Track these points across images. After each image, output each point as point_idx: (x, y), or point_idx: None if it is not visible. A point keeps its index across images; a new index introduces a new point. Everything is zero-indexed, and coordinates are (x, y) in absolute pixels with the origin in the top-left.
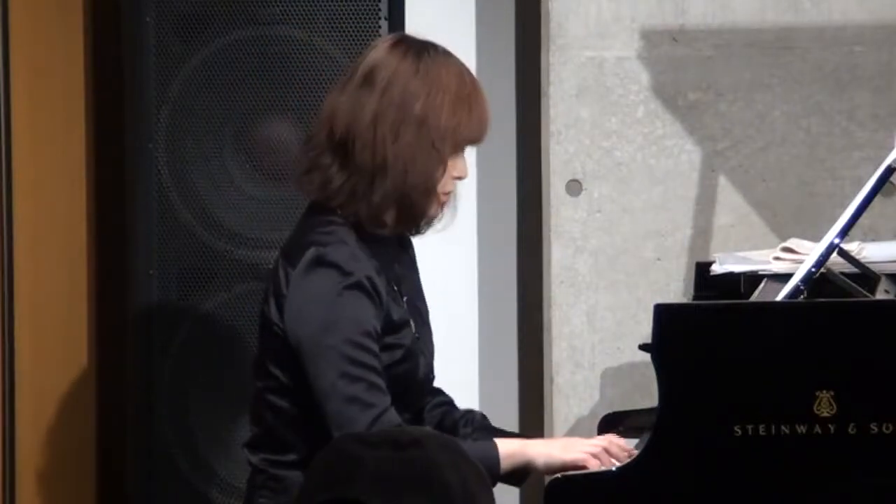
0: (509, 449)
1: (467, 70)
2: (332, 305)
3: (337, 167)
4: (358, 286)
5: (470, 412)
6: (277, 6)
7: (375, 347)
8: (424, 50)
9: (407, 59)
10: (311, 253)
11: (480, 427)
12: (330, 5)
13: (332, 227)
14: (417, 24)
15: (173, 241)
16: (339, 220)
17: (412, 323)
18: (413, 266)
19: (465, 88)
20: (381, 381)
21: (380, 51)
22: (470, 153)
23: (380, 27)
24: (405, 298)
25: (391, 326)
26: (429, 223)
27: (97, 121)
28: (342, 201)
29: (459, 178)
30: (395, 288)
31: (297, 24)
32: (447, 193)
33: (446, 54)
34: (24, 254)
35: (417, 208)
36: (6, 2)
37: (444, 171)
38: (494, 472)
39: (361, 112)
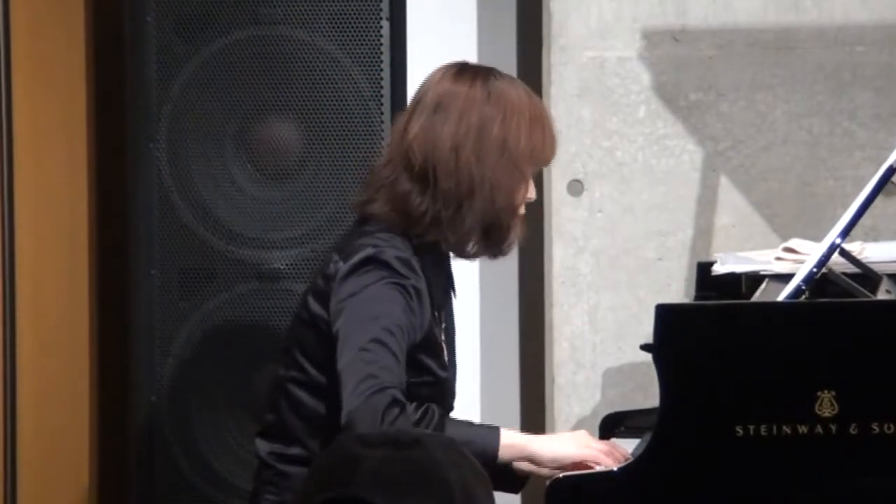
0: (512, 440)
1: (531, 92)
2: (374, 293)
3: (417, 193)
4: (404, 288)
5: None
6: (279, 6)
7: (403, 342)
8: (490, 75)
9: (476, 86)
10: (367, 251)
11: (478, 423)
12: (331, 5)
13: (388, 236)
14: (419, 24)
15: (174, 241)
16: (398, 231)
17: (445, 351)
18: (451, 298)
19: (536, 110)
20: (397, 366)
21: (446, 81)
22: None
23: (381, 27)
24: (443, 326)
25: (429, 346)
26: (511, 245)
27: (98, 121)
28: (423, 228)
29: (530, 199)
30: (436, 314)
31: (298, 24)
32: (521, 216)
33: (510, 78)
34: (25, 254)
35: (504, 230)
36: (7, 1)
37: (526, 190)
38: (492, 456)
39: (440, 139)
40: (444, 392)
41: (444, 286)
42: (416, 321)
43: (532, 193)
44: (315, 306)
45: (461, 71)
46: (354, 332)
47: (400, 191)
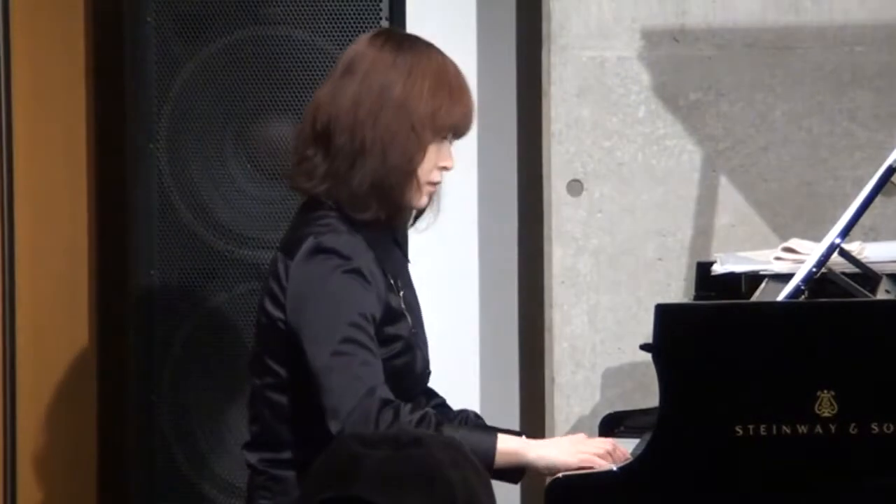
0: (508, 447)
1: (451, 61)
2: (331, 287)
3: (321, 156)
4: (356, 272)
5: (463, 412)
6: (278, 6)
7: (371, 330)
8: (405, 40)
9: (385, 50)
10: (309, 242)
11: (474, 427)
12: (331, 5)
13: (327, 220)
14: (418, 24)
15: (174, 241)
16: (333, 214)
17: (408, 317)
18: (406, 264)
19: (446, 76)
20: (374, 360)
21: (359, 44)
22: (471, 152)
23: (381, 27)
24: (401, 293)
25: (390, 316)
26: (413, 213)
27: (98, 121)
28: (326, 187)
29: (445, 167)
30: (392, 281)
31: (298, 24)
32: (433, 183)
33: (428, 46)
34: (25, 254)
35: (396, 192)
36: (7, 2)
37: (425, 156)
38: (488, 465)
39: (342, 99)
40: (415, 356)
41: (394, 254)
42: (374, 298)
43: (447, 161)
44: (271, 308)
45: (375, 36)
46: (321, 335)
47: (307, 155)
